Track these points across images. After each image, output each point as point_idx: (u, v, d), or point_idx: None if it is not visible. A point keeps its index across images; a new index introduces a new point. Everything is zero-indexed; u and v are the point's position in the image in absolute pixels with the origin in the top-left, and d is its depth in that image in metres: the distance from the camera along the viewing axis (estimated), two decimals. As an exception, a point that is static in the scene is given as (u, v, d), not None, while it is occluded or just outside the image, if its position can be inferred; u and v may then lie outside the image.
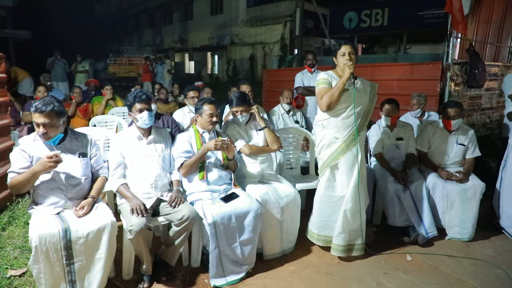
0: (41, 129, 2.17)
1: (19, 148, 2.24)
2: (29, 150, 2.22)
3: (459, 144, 3.33)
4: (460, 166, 3.37)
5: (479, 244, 3.10)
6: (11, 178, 2.18)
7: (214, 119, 2.72)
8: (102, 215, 2.22)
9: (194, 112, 2.88)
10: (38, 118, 2.16)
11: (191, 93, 3.89)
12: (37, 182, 2.23)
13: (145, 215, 2.32)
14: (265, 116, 3.99)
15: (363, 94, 2.72)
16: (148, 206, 2.41)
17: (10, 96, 4.93)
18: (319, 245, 2.93)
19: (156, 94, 5.58)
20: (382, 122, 3.49)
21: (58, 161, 2.09)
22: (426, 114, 4.00)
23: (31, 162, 2.22)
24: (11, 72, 6.84)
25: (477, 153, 3.36)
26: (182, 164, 2.63)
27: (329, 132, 2.73)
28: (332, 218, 2.82)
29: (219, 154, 2.78)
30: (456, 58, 5.36)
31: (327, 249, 2.89)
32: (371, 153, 3.60)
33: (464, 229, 3.13)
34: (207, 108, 2.72)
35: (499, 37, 6.68)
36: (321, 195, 2.85)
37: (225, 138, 2.63)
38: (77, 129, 2.59)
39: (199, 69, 21.52)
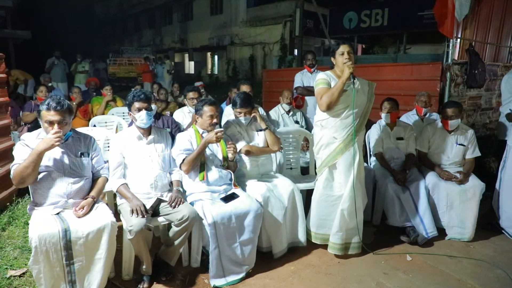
0: (56, 127, 2.16)
1: (22, 143, 2.23)
2: (32, 146, 2.20)
3: (459, 144, 3.33)
4: (460, 166, 3.37)
5: (479, 244, 3.10)
6: (14, 169, 2.15)
7: (215, 120, 2.72)
8: (102, 215, 2.22)
9: (195, 112, 2.88)
10: (53, 116, 2.17)
11: (190, 94, 3.84)
12: (38, 180, 2.23)
13: (145, 215, 2.32)
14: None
15: (361, 94, 2.73)
16: (148, 206, 2.42)
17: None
18: (316, 243, 2.94)
19: (155, 94, 5.56)
20: (382, 120, 3.50)
21: (61, 137, 2.09)
22: (428, 114, 3.98)
23: None
24: (11, 76, 6.82)
25: (477, 153, 3.36)
26: (183, 161, 2.62)
27: (328, 132, 2.75)
28: (329, 217, 2.84)
29: (219, 154, 2.78)
30: (456, 58, 5.35)
31: (327, 248, 2.89)
32: (371, 152, 3.60)
33: (464, 229, 3.13)
34: (207, 110, 2.72)
35: (499, 37, 6.68)
36: (319, 194, 2.87)
37: (222, 129, 2.65)
38: (77, 129, 2.59)
39: (199, 69, 21.52)
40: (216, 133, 2.57)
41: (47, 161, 2.24)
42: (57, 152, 2.27)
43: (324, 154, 2.80)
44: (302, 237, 2.93)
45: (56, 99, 2.21)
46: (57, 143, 2.09)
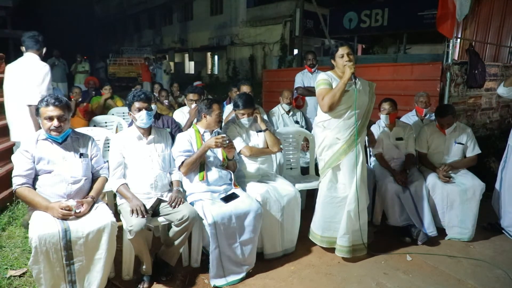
0: (56, 122, 2.19)
1: (21, 149, 2.24)
2: (32, 150, 2.22)
3: (458, 143, 3.34)
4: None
5: (479, 244, 3.10)
6: (18, 185, 2.18)
7: (220, 118, 2.76)
8: (102, 215, 2.22)
9: (202, 111, 2.84)
10: (52, 111, 2.19)
11: (190, 96, 3.77)
12: (38, 182, 2.25)
13: (145, 215, 2.32)
14: (265, 117, 3.98)
15: (363, 94, 2.72)
16: (148, 207, 2.42)
17: None
18: (321, 247, 2.91)
19: (156, 95, 5.55)
20: (382, 121, 3.49)
21: (68, 215, 2.12)
22: (428, 115, 3.97)
23: (34, 162, 2.22)
24: None
25: (477, 150, 3.36)
26: (182, 163, 2.63)
27: (331, 133, 2.73)
28: (335, 219, 2.81)
29: (219, 154, 2.78)
30: (456, 58, 5.35)
31: (327, 249, 2.89)
32: (371, 153, 3.60)
33: (464, 229, 3.13)
34: (216, 108, 2.74)
35: (499, 37, 6.69)
36: (323, 196, 2.83)
37: (225, 136, 2.63)
38: (77, 129, 2.60)
39: (199, 69, 21.53)
40: (217, 139, 2.57)
41: (47, 162, 2.24)
42: (56, 153, 2.28)
43: (327, 156, 2.77)
44: (294, 242, 2.92)
45: (54, 95, 2.25)
46: (63, 216, 2.12)
